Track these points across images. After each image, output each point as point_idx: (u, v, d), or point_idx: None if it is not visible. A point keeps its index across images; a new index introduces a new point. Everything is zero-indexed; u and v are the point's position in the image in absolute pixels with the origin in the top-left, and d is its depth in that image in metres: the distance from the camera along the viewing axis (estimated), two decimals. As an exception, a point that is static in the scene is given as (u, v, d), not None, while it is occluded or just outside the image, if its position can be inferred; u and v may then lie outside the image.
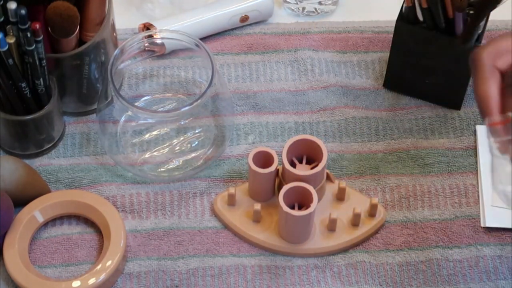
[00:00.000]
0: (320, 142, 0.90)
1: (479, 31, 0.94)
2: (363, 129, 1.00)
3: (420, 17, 0.95)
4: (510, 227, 0.92)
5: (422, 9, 0.94)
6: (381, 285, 0.89)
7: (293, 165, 0.90)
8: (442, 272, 0.90)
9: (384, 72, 1.03)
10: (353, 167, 0.97)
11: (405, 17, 0.97)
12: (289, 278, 0.90)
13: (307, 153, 0.92)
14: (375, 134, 1.00)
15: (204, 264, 0.90)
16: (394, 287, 0.89)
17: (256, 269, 0.90)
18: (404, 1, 0.96)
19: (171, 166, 0.96)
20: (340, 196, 0.93)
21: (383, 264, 0.91)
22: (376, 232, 0.92)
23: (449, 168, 0.97)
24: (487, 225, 0.93)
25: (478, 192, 0.95)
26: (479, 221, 0.93)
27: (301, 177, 0.88)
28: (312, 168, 0.90)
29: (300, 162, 0.92)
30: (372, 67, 1.05)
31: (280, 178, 0.91)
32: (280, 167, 0.91)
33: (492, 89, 0.75)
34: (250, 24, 1.09)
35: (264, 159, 0.90)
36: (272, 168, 0.89)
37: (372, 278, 0.90)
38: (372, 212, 0.92)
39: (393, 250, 0.91)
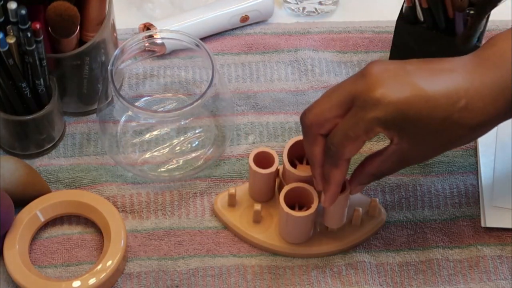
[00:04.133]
0: None
1: (480, 31, 0.94)
2: (363, 129, 1.00)
3: (420, 17, 0.95)
4: (510, 227, 0.92)
5: (422, 9, 0.94)
6: (381, 285, 0.89)
7: (293, 165, 0.90)
8: (442, 272, 0.90)
9: (384, 72, 1.03)
10: (353, 167, 0.97)
11: (405, 17, 0.97)
12: (289, 278, 0.90)
13: (307, 154, 0.92)
14: (375, 134, 1.00)
15: (205, 264, 0.90)
16: (395, 287, 0.89)
17: (257, 269, 0.90)
18: (404, 1, 0.96)
19: (171, 166, 0.96)
20: (340, 196, 0.93)
21: (383, 264, 0.91)
22: (377, 232, 0.92)
23: (449, 168, 0.97)
24: (487, 225, 0.93)
25: (478, 192, 0.95)
26: (479, 221, 0.93)
27: (301, 177, 0.88)
28: (312, 168, 0.90)
29: (301, 162, 0.92)
30: (372, 67, 1.05)
31: (281, 178, 0.91)
32: (280, 168, 0.91)
33: (317, 151, 0.82)
34: (250, 24, 1.09)
35: (264, 160, 0.90)
36: (272, 169, 0.89)
37: (372, 278, 0.90)
38: (372, 212, 0.92)
39: (393, 250, 0.92)
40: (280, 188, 0.90)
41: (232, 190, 0.91)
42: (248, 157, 0.90)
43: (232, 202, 0.92)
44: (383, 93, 0.75)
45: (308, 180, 0.88)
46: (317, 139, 0.81)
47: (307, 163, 0.92)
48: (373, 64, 0.77)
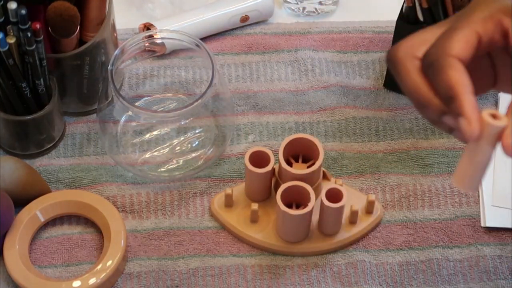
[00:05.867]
0: (316, 140, 0.90)
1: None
2: (363, 129, 1.00)
3: (421, 17, 0.95)
4: (510, 227, 0.92)
5: (422, 9, 0.94)
6: (381, 285, 0.89)
7: (289, 164, 0.90)
8: (442, 272, 0.90)
9: (384, 72, 1.03)
10: (353, 166, 0.97)
11: (405, 17, 0.97)
12: (289, 278, 0.90)
13: (303, 152, 0.92)
14: (375, 134, 1.00)
15: (205, 264, 0.90)
16: (394, 286, 0.89)
17: (257, 268, 0.90)
18: (404, 1, 0.96)
19: (171, 166, 0.96)
20: (337, 194, 0.93)
21: (383, 263, 0.91)
22: (374, 229, 0.92)
23: (449, 169, 0.97)
24: (487, 225, 0.93)
25: (478, 192, 0.95)
26: (479, 221, 0.93)
27: (298, 176, 0.88)
28: (308, 167, 0.90)
29: (297, 161, 0.92)
30: (372, 67, 1.05)
31: (277, 177, 0.91)
32: (276, 166, 0.91)
33: (417, 77, 0.67)
34: (250, 24, 1.09)
35: (260, 159, 0.90)
36: (268, 168, 0.89)
37: (372, 277, 0.90)
38: (369, 209, 0.92)
39: (393, 250, 0.92)
40: (277, 187, 0.90)
41: (228, 191, 0.91)
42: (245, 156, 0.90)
43: (229, 202, 0.92)
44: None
45: (304, 178, 0.88)
46: (414, 62, 0.68)
47: (303, 162, 0.92)
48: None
